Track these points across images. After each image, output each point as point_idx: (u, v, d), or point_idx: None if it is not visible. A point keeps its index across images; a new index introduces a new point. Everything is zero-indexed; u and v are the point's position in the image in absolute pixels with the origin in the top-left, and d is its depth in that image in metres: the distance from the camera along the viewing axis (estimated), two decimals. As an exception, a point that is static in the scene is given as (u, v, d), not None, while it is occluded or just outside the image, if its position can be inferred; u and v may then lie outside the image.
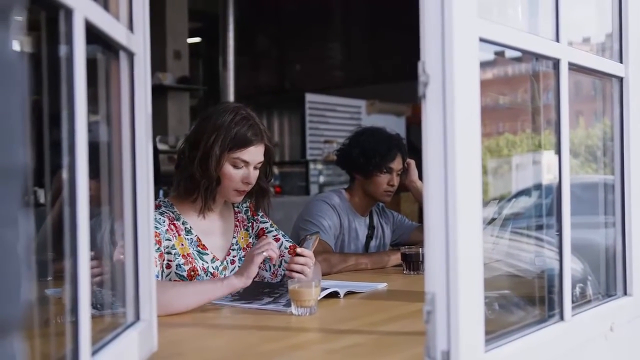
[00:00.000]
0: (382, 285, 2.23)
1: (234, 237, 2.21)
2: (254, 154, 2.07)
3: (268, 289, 2.02)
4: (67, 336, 0.97)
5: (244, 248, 2.22)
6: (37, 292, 1.04)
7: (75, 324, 0.96)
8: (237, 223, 2.24)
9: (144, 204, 1.31)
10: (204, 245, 2.10)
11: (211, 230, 2.15)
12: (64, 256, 0.97)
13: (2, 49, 0.48)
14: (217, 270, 2.11)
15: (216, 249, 2.14)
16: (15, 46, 0.50)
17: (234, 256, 2.18)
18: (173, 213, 2.09)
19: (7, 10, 0.49)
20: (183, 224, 2.09)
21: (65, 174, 0.95)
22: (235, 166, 2.06)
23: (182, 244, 2.05)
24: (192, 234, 2.09)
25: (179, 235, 2.06)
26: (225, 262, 2.15)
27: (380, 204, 3.03)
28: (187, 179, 2.07)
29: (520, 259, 1.82)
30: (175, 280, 2.01)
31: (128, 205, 1.29)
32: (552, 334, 1.39)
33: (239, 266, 2.15)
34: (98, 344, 1.10)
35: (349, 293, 2.06)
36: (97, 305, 1.24)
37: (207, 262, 2.08)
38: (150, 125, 1.33)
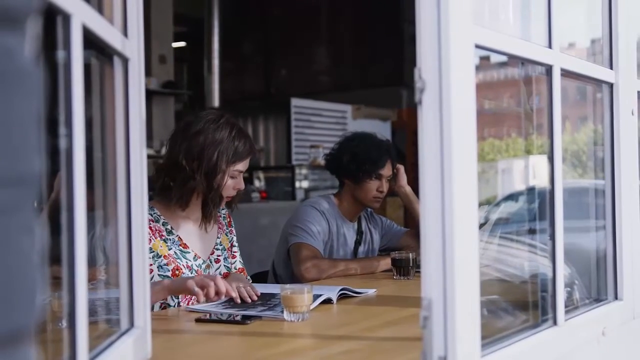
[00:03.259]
0: (371, 291, 2.23)
1: (218, 237, 2.28)
2: (247, 163, 2.20)
3: (261, 300, 2.01)
4: (62, 343, 0.96)
5: (227, 249, 2.30)
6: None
7: (72, 332, 0.95)
8: (220, 225, 2.31)
9: (138, 209, 1.30)
10: (185, 244, 2.16)
11: (194, 231, 2.21)
12: (54, 262, 0.96)
13: (18, 57, 0.47)
14: (201, 268, 2.18)
15: (198, 248, 2.20)
16: (30, 54, 0.49)
17: (219, 255, 2.26)
18: (152, 215, 2.13)
19: (22, 19, 0.49)
20: (163, 224, 2.14)
21: (62, 180, 0.94)
22: (232, 177, 2.16)
23: (162, 245, 2.10)
24: (173, 234, 2.15)
25: (160, 236, 2.11)
26: (209, 261, 2.21)
27: (369, 209, 3.03)
28: (189, 192, 2.12)
29: (510, 264, 1.82)
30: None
31: (122, 211, 1.28)
32: (546, 338, 1.39)
33: (224, 265, 2.26)
34: (93, 351, 1.09)
35: (342, 296, 2.06)
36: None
37: (190, 260, 2.14)
38: (145, 131, 1.32)
